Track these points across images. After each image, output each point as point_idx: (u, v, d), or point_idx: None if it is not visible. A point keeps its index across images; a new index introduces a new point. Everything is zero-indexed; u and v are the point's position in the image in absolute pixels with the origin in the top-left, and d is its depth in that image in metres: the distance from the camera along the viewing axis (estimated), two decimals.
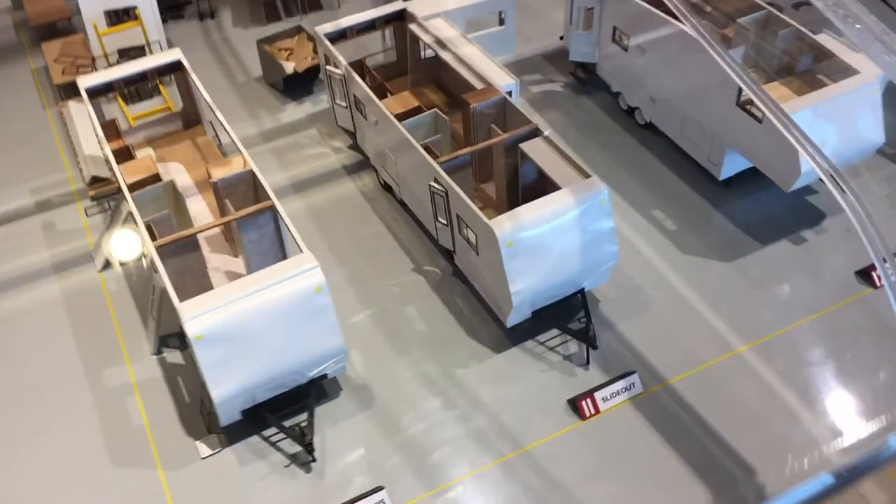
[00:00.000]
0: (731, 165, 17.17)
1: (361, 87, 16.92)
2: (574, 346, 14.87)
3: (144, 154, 17.02)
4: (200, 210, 16.18)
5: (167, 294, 12.82)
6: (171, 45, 22.24)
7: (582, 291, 14.87)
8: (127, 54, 21.14)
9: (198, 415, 14.05)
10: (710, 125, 16.96)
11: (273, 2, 23.97)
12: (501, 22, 19.80)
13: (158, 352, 15.14)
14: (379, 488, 13.01)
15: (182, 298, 12.63)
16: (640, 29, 18.07)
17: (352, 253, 16.96)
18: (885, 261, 10.93)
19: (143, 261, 16.09)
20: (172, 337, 15.22)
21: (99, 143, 15.83)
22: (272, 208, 14.14)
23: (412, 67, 19.14)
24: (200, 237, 14.89)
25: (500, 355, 14.87)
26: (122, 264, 16.78)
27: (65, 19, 23.33)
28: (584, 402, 13.88)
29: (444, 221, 15.05)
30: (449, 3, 19.20)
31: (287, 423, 13.57)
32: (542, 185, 14.81)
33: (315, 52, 20.97)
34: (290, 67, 20.51)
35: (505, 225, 13.50)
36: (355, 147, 19.17)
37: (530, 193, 15.10)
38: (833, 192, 11.16)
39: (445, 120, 16.27)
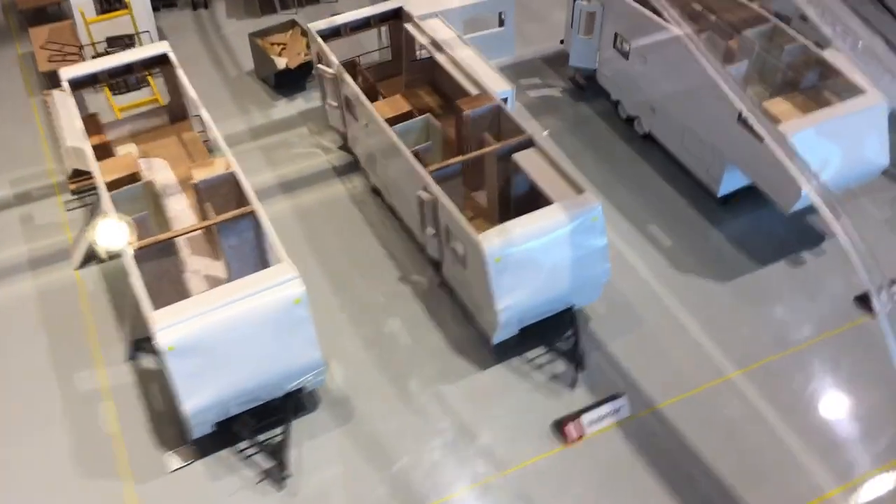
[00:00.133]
0: (731, 182, 16.69)
1: (352, 88, 16.41)
2: (561, 365, 14.41)
3: (127, 150, 16.54)
4: (182, 210, 15.68)
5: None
6: (162, 34, 21.77)
7: (572, 309, 14.41)
8: (116, 43, 20.61)
9: (170, 424, 13.57)
10: (711, 139, 16.47)
11: None
12: (501, 23, 19.31)
13: (133, 356, 14.66)
14: None
15: (157, 303, 12.16)
16: (641, 36, 17.55)
17: (337, 258, 16.48)
18: (880, 290, 10.56)
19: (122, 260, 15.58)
20: (147, 341, 14.67)
21: (76, 138, 15.31)
22: (253, 213, 13.66)
23: (407, 68, 18.62)
24: (180, 239, 14.42)
25: (485, 372, 14.41)
26: (100, 262, 16.29)
27: (54, 3, 22.77)
28: (569, 426, 13.42)
29: (433, 231, 14.57)
30: (448, 3, 18.68)
31: (262, 437, 13.13)
32: (535, 197, 14.33)
33: (309, 47, 20.43)
34: (282, 63, 19.99)
35: (493, 240, 13.03)
36: (346, 147, 18.66)
37: (523, 204, 14.66)
38: (827, 218, 10.76)
39: (437, 126, 15.78)
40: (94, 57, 19.87)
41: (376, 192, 17.60)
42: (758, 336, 14.91)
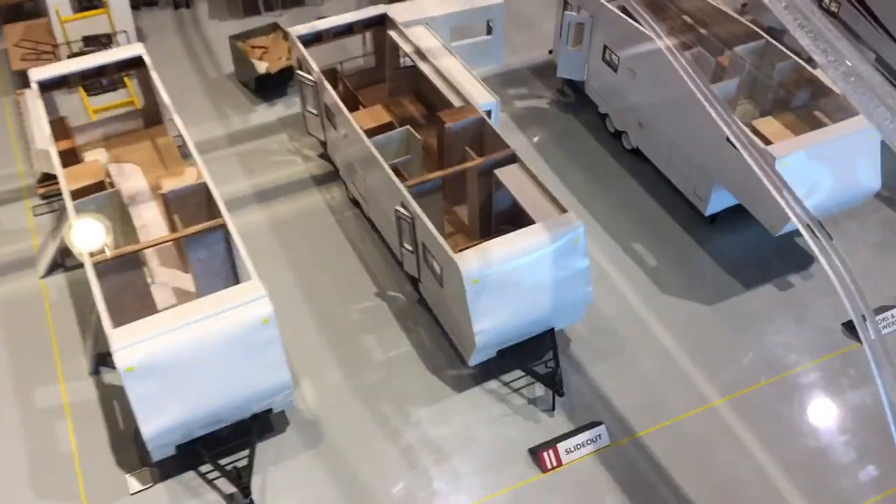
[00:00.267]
0: (719, 201, 16.24)
1: (332, 96, 15.90)
2: (540, 389, 13.94)
3: (95, 156, 15.99)
4: (152, 218, 15.13)
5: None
6: (141, 34, 21.23)
7: (552, 332, 13.95)
8: (93, 42, 20.03)
9: (130, 444, 13.04)
10: (699, 157, 16.03)
11: None
12: (489, 31, 18.83)
13: (95, 371, 14.12)
14: None
15: (120, 319, 11.63)
16: (630, 50, 17.09)
17: (313, 271, 15.96)
18: (864, 319, 10.22)
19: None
20: (110, 356, 14.15)
21: (45, 141, 14.76)
22: (224, 226, 13.14)
23: (390, 76, 18.13)
24: (148, 250, 13.89)
25: (461, 395, 13.93)
26: (66, 270, 15.73)
27: (31, 0, 22.14)
28: (545, 454, 12.96)
29: (410, 248, 14.09)
30: (434, 10, 18.18)
31: (225, 461, 12.60)
32: (518, 213, 13.86)
33: (291, 51, 19.91)
34: (262, 67, 19.44)
35: (471, 261, 12.55)
36: (326, 156, 18.14)
37: (505, 219, 14.22)
38: (811, 245, 10.40)
39: (418, 139, 15.29)
40: (69, 56, 19.29)
41: (355, 203, 17.10)
42: (743, 362, 14.48)
